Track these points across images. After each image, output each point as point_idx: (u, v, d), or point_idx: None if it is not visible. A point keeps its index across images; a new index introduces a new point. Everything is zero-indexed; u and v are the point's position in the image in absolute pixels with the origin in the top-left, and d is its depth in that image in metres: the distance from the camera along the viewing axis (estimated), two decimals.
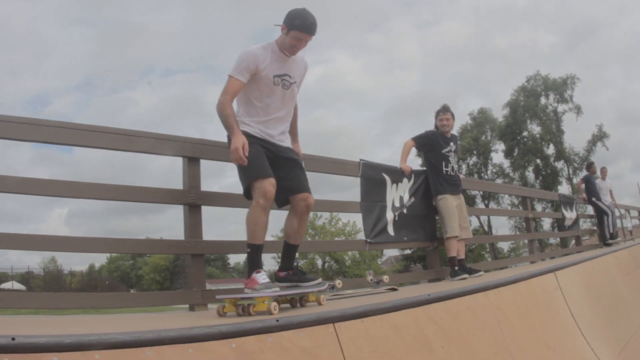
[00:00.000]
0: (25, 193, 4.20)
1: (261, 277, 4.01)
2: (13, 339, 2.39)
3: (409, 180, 7.26)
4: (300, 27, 4.25)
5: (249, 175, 4.20)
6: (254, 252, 4.19)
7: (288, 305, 4.24)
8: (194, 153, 4.91)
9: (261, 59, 4.30)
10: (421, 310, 4.14)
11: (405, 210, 7.11)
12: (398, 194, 7.07)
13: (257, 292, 3.81)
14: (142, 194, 4.80)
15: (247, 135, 4.23)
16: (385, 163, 7.14)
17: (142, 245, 5.28)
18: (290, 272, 4.48)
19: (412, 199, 7.25)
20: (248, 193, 4.25)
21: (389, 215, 6.87)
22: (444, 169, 7.24)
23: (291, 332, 3.16)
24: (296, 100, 4.77)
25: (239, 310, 3.69)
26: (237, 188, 4.56)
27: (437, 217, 7.50)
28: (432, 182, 7.34)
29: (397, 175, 7.10)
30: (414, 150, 7.67)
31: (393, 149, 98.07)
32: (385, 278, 6.01)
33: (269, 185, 4.08)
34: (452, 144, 7.37)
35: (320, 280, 4.42)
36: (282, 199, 4.47)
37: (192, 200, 4.82)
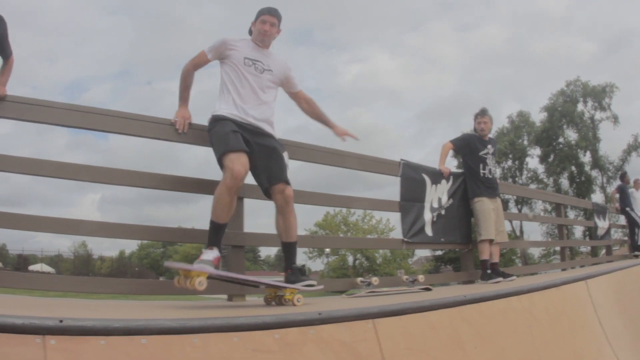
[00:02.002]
0: (60, 177, 4.29)
1: (206, 254, 4.00)
2: (61, 321, 2.43)
3: (448, 181, 7.28)
4: (262, 11, 4.61)
5: (219, 147, 4.20)
6: (214, 229, 4.14)
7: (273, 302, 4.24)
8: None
9: (232, 44, 4.55)
10: (456, 311, 4.18)
11: (443, 212, 7.15)
12: (437, 195, 7.10)
13: (192, 266, 3.85)
14: (180, 184, 4.86)
15: (221, 118, 4.37)
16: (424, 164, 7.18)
17: (183, 234, 5.24)
18: (289, 271, 4.44)
19: (450, 201, 7.28)
20: (222, 166, 4.21)
21: (427, 216, 6.92)
22: (481, 171, 7.25)
23: (332, 326, 3.21)
24: (305, 94, 5.01)
25: (182, 282, 3.82)
26: None
27: (472, 220, 7.48)
28: (470, 184, 7.35)
29: (437, 176, 7.14)
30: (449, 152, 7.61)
31: (427, 150, 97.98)
32: (421, 278, 6.11)
33: (239, 165, 4.02)
34: (489, 146, 7.39)
35: (308, 282, 4.32)
36: (264, 188, 4.46)
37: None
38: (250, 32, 4.71)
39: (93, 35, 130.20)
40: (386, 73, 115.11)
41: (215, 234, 4.14)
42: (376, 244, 25.67)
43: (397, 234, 6.53)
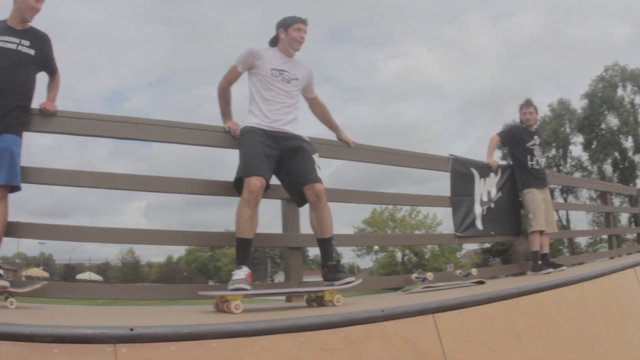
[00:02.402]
0: (104, 187, 4.47)
1: (237, 274, 3.97)
2: (131, 329, 2.47)
3: (496, 174, 7.28)
4: (294, 20, 4.68)
5: (241, 170, 4.29)
6: (239, 245, 4.18)
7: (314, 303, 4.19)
8: None
9: (258, 54, 4.61)
10: (512, 303, 4.21)
11: (492, 205, 7.15)
12: (486, 189, 7.10)
13: (227, 292, 3.77)
14: (225, 189, 4.84)
15: (251, 129, 4.46)
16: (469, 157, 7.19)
17: (230, 237, 5.27)
18: (326, 269, 4.40)
19: (499, 194, 7.27)
20: (238, 186, 4.31)
21: (477, 210, 6.94)
22: (529, 162, 7.23)
23: (394, 322, 3.29)
24: (320, 100, 5.12)
25: (219, 306, 3.72)
26: (330, 183, 4.66)
27: (522, 211, 7.46)
28: (518, 176, 7.32)
29: (485, 170, 7.14)
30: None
31: (469, 142, 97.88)
32: (474, 271, 6.13)
33: (256, 180, 4.13)
34: (536, 137, 7.37)
35: (347, 280, 4.27)
36: (297, 196, 4.54)
37: None
38: (274, 42, 4.75)
39: (130, 45, 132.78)
40: (425, 67, 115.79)
41: (243, 252, 4.19)
42: (428, 240, 25.69)
43: (444, 228, 6.66)
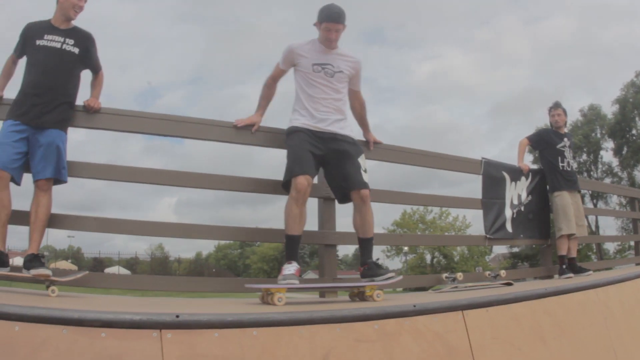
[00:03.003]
0: (141, 182, 4.65)
1: (287, 269, 4.12)
2: (177, 316, 2.58)
3: (527, 178, 7.32)
4: (326, 18, 4.55)
5: (288, 171, 4.39)
6: (288, 242, 4.31)
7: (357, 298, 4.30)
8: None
9: (299, 50, 4.65)
10: (538, 303, 4.33)
11: (522, 208, 7.20)
12: (516, 192, 7.16)
13: (279, 284, 3.90)
14: (257, 185, 5.03)
15: (297, 129, 4.53)
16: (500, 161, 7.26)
17: (273, 234, 5.37)
18: (366, 266, 4.49)
19: (530, 197, 7.31)
20: (287, 186, 4.39)
21: (508, 213, 7.00)
22: (560, 164, 7.23)
23: (425, 317, 3.43)
24: (361, 96, 5.04)
25: (264, 299, 3.82)
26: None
27: (551, 215, 7.51)
28: (549, 178, 7.34)
29: (516, 173, 7.19)
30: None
31: (501, 145, 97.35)
32: (503, 273, 6.21)
33: (303, 179, 4.25)
34: (565, 139, 7.38)
35: (388, 275, 4.39)
36: (340, 195, 4.69)
37: (327, 194, 4.98)
38: (315, 25, 4.67)
39: (164, 44, 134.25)
40: (459, 69, 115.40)
41: (292, 248, 4.32)
42: (459, 241, 25.74)
43: (473, 230, 6.74)
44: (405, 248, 54.75)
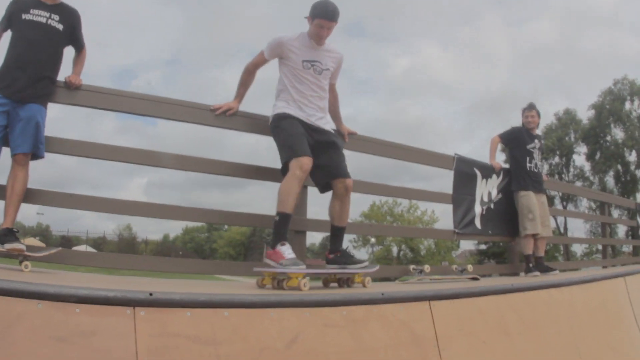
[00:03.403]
0: (113, 160, 4.56)
1: (287, 252, 4.06)
2: (150, 294, 2.64)
3: (498, 176, 7.44)
4: (320, 14, 4.50)
5: (288, 154, 4.39)
6: (282, 221, 4.24)
7: (335, 284, 4.41)
8: None
9: (289, 45, 4.61)
10: (503, 298, 4.44)
11: (492, 206, 7.32)
12: (487, 189, 7.26)
13: (287, 268, 3.87)
14: (233, 169, 5.07)
15: (288, 116, 4.55)
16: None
17: (242, 218, 5.37)
18: (338, 254, 4.61)
19: (500, 195, 7.43)
20: (285, 170, 4.39)
21: (477, 209, 7.11)
22: (528, 164, 7.35)
23: (393, 306, 3.52)
24: (335, 88, 5.07)
25: (274, 283, 3.84)
26: None
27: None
28: (515, 177, 7.45)
29: (488, 170, 7.31)
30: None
31: (474, 143, 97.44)
32: (469, 267, 6.31)
33: (307, 159, 4.28)
34: (536, 141, 7.50)
35: (367, 263, 4.56)
36: (323, 184, 4.70)
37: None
38: (307, 20, 4.62)
39: (143, 24, 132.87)
40: (436, 66, 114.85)
41: (284, 227, 4.26)
42: (428, 234, 26.03)
43: (441, 225, 6.76)
44: (373, 239, 55.09)
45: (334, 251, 4.62)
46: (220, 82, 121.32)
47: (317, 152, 4.51)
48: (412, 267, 5.96)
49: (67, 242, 48.85)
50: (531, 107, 7.56)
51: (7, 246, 3.77)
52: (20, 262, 3.76)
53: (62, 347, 2.41)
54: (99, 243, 53.97)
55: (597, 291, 5.88)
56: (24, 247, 3.79)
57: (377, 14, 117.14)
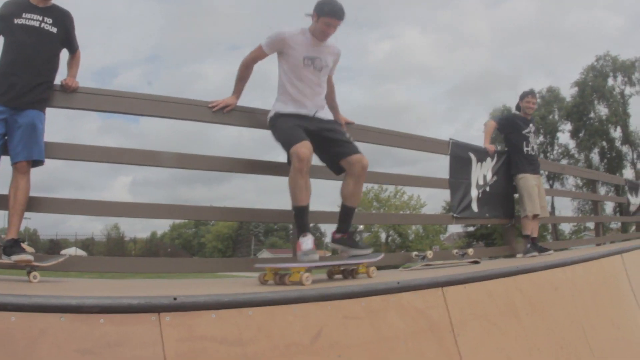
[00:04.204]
0: (97, 161, 4.51)
1: (305, 243, 4.14)
2: (175, 298, 2.63)
3: (492, 159, 7.52)
4: (329, 13, 4.50)
5: (285, 144, 4.43)
6: (299, 213, 4.35)
7: (340, 275, 4.37)
8: None
9: (291, 40, 4.58)
10: (511, 280, 4.50)
11: (488, 188, 7.40)
12: (482, 173, 7.35)
13: (293, 263, 3.98)
14: (217, 163, 5.02)
15: (281, 115, 4.58)
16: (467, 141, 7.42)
17: (245, 213, 5.35)
18: (345, 235, 4.63)
19: (495, 178, 7.52)
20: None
21: (474, 193, 7.19)
22: (525, 148, 7.48)
23: (408, 294, 3.56)
24: (332, 80, 5.09)
25: (276, 279, 3.83)
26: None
27: (515, 196, 7.74)
28: (513, 161, 7.58)
29: (482, 154, 7.37)
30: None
31: (456, 125, 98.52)
32: (470, 251, 6.37)
33: (302, 147, 4.24)
34: (531, 125, 7.63)
35: (370, 251, 4.58)
36: (336, 167, 4.71)
37: None
38: (311, 16, 4.59)
39: (123, 22, 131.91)
40: (417, 50, 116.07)
41: (302, 218, 4.35)
42: (427, 220, 26.09)
43: (428, 209, 6.85)
44: (361, 226, 55.26)
45: (342, 231, 4.63)
46: (201, 77, 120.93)
47: (322, 138, 4.55)
48: (414, 254, 6.02)
49: (55, 245, 48.63)
50: (533, 93, 7.70)
51: (14, 258, 3.73)
52: (28, 273, 3.73)
53: None
54: (88, 244, 53.92)
55: (597, 269, 5.94)
56: (31, 258, 3.76)
57: (356, 0, 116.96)
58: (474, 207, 7.15)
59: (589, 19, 78.72)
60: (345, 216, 4.68)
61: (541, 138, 53.44)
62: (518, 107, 7.74)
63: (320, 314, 3.02)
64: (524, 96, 7.66)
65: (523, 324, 4.29)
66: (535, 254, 6.94)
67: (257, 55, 4.72)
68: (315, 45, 4.61)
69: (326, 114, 4.77)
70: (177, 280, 5.03)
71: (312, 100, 4.63)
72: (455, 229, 64.35)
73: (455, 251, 6.44)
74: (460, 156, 7.08)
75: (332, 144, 4.61)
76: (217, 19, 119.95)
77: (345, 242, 4.56)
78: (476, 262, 6.01)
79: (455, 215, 6.94)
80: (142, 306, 2.58)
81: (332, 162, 4.68)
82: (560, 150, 54.81)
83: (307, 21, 4.62)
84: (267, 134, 4.71)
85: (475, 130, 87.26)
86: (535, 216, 7.28)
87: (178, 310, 2.63)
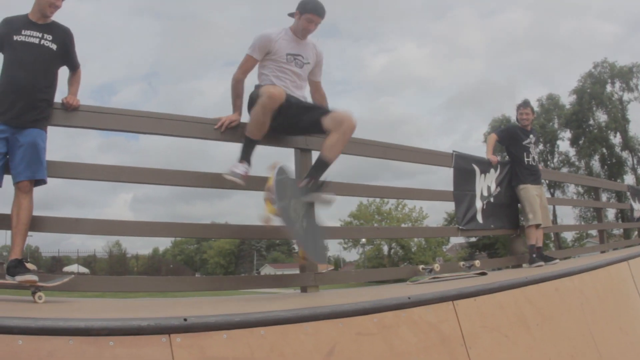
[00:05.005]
0: (98, 179, 4.54)
1: (236, 167, 4.49)
2: (185, 319, 2.59)
3: (495, 170, 7.55)
4: (311, 10, 4.76)
5: (256, 92, 4.59)
6: (246, 143, 4.58)
7: None
8: (306, 145, 5.16)
9: (274, 39, 4.78)
10: (520, 291, 4.47)
11: (492, 199, 7.43)
12: (486, 184, 7.37)
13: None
14: (217, 181, 4.88)
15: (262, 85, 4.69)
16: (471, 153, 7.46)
17: (216, 229, 5.34)
18: (312, 180, 4.57)
19: (498, 189, 7.55)
20: (252, 104, 4.63)
21: (478, 204, 7.21)
22: (526, 159, 7.54)
23: (420, 308, 3.52)
24: (322, 87, 5.22)
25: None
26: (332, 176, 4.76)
27: (519, 206, 7.75)
28: (515, 172, 7.63)
29: (485, 165, 7.41)
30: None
31: (454, 137, 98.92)
32: (477, 263, 6.36)
33: (275, 89, 4.39)
34: (531, 135, 7.68)
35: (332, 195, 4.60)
36: (319, 127, 4.62)
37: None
38: (294, 14, 4.84)
39: (121, 39, 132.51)
40: (413, 62, 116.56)
41: (247, 148, 4.57)
42: (432, 232, 26.19)
43: (430, 221, 6.89)
44: (363, 240, 55.30)
45: (312, 177, 4.60)
46: (198, 93, 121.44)
47: (303, 106, 4.71)
48: (421, 267, 6.00)
49: (57, 262, 48.50)
50: (526, 104, 7.77)
51: (19, 278, 3.69)
52: (33, 294, 3.68)
53: None
54: (90, 262, 53.75)
55: (604, 276, 5.93)
56: (36, 279, 3.71)
57: (351, 14, 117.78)
58: (479, 218, 7.16)
59: (583, 27, 79.39)
60: (318, 166, 4.64)
61: (541, 147, 53.72)
62: (517, 120, 7.80)
63: (332, 331, 2.98)
64: (518, 108, 7.76)
65: (533, 335, 4.26)
66: (542, 263, 6.96)
67: (248, 65, 4.83)
68: (297, 42, 4.86)
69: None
70: (184, 298, 4.98)
71: (294, 92, 4.74)
72: (457, 239, 64.45)
73: (462, 263, 6.42)
74: (464, 168, 7.09)
75: (314, 108, 4.73)
76: (214, 35, 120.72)
77: (310, 188, 4.52)
78: (483, 274, 6.00)
79: (460, 227, 6.93)
80: (152, 328, 2.53)
81: (314, 124, 4.63)
82: (560, 158, 55.24)
83: (288, 21, 4.84)
84: (269, 150, 4.82)
85: (473, 141, 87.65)
86: (538, 226, 7.30)
87: (189, 332, 2.59)
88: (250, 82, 4.89)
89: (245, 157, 4.53)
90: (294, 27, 4.85)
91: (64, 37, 4.27)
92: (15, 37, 4.05)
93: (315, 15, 4.75)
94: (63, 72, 4.36)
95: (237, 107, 4.88)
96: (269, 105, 4.31)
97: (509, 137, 7.75)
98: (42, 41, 4.11)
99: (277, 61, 4.73)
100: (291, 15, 4.86)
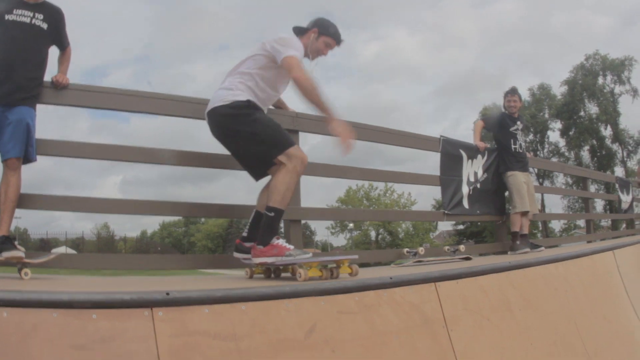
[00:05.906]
0: (87, 157, 4.61)
1: (286, 243, 3.88)
2: (167, 293, 2.62)
3: (483, 156, 7.59)
4: (334, 34, 4.44)
5: (284, 143, 4.02)
6: (277, 216, 3.95)
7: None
8: (294, 126, 5.11)
9: None
10: (504, 276, 4.50)
11: (478, 185, 7.47)
12: (473, 170, 7.42)
13: (298, 258, 3.73)
14: (206, 160, 4.98)
15: (254, 105, 4.14)
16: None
17: (235, 210, 5.27)
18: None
19: (485, 175, 7.59)
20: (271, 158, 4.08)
21: (464, 189, 7.25)
22: (513, 146, 7.57)
23: (402, 289, 3.55)
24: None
25: (269, 274, 3.94)
26: (321, 158, 4.68)
27: (506, 193, 7.82)
28: (502, 159, 7.68)
29: (473, 151, 7.45)
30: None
31: (444, 124, 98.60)
32: (462, 248, 6.44)
33: (303, 153, 4.04)
34: (519, 122, 7.72)
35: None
36: (262, 172, 4.36)
37: None
38: (300, 32, 4.43)
39: (113, 22, 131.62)
40: (404, 50, 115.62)
41: (279, 222, 4.03)
42: (418, 216, 26.33)
43: (418, 207, 6.83)
44: (350, 225, 55.35)
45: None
46: (189, 78, 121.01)
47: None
48: (406, 250, 6.04)
49: (46, 244, 48.39)
50: (513, 91, 7.78)
51: (5, 254, 3.70)
52: (19, 270, 3.70)
53: (82, 355, 2.39)
54: (78, 243, 53.66)
55: (589, 265, 5.97)
56: (22, 255, 3.72)
57: (344, 2, 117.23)
58: (465, 203, 7.21)
59: (575, 19, 79.18)
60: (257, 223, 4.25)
61: (531, 136, 53.79)
62: (504, 107, 7.83)
63: (313, 308, 3.01)
64: (505, 95, 7.79)
65: (516, 319, 4.30)
66: (527, 250, 7.01)
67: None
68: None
69: None
70: (169, 277, 5.03)
71: (268, 104, 4.42)
72: (445, 227, 64.70)
73: (446, 248, 6.50)
74: (451, 153, 7.12)
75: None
76: (206, 19, 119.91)
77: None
78: (468, 259, 6.06)
79: (446, 212, 6.97)
80: (135, 301, 2.56)
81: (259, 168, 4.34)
82: (550, 149, 55.24)
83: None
84: None
85: (463, 129, 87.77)
86: (525, 213, 7.33)
87: (171, 305, 2.62)
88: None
89: (277, 231, 3.96)
90: (305, 44, 4.29)
91: (55, 16, 4.27)
92: (7, 17, 4.05)
93: (335, 41, 4.43)
94: (53, 53, 4.37)
95: (332, 108, 4.07)
96: (302, 173, 4.06)
97: (496, 124, 7.78)
98: (34, 20, 4.11)
99: (278, 75, 4.21)
100: (299, 30, 4.43)
